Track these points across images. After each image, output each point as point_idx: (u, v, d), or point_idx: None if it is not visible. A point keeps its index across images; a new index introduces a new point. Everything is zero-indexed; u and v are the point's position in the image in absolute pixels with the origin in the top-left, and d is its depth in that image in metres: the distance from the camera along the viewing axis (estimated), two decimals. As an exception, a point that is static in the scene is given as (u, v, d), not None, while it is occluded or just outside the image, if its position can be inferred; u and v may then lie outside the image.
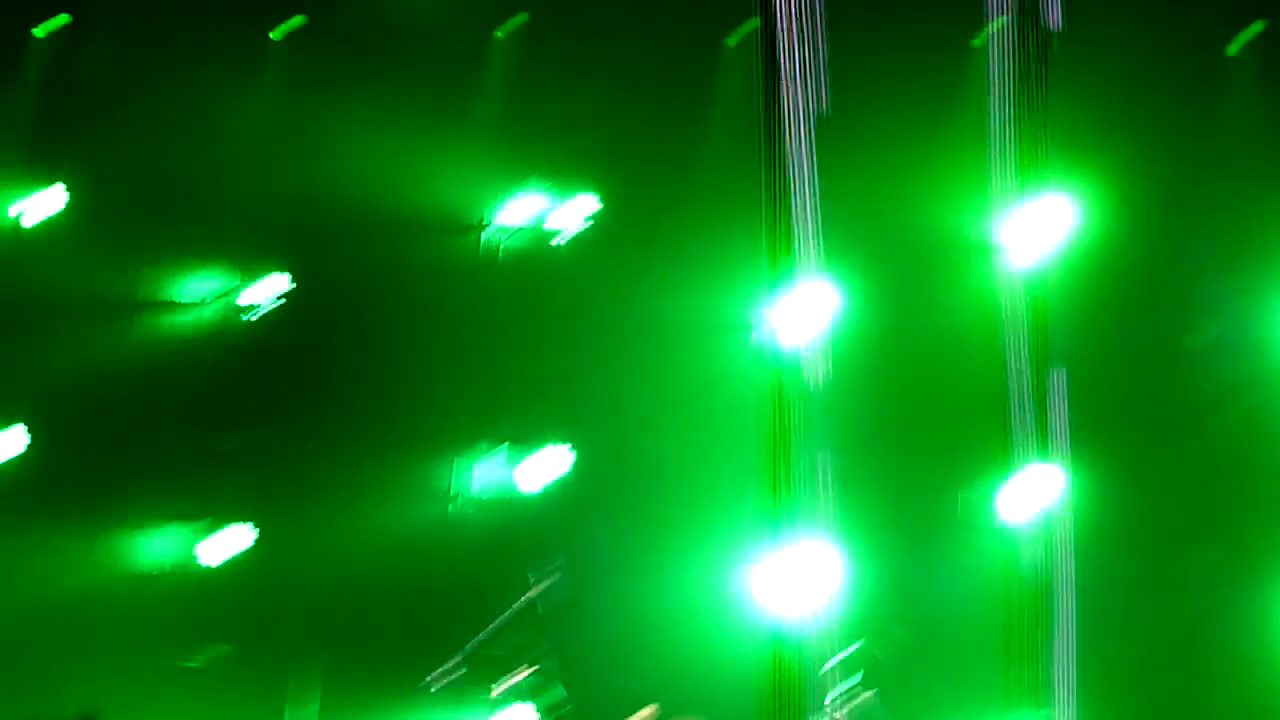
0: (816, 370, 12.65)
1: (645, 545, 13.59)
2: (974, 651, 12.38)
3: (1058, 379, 11.89)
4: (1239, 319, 13.21)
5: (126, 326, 14.82)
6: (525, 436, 14.55)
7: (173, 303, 14.92)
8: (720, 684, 12.61)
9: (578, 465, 14.44)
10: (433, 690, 11.82)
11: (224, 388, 14.58)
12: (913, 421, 13.47)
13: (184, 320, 14.93)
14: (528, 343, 14.58)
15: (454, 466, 14.78)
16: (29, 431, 14.37)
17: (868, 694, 11.61)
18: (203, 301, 14.88)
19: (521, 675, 12.01)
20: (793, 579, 12.50)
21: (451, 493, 14.70)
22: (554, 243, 14.70)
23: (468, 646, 12.04)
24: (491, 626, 12.12)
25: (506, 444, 14.61)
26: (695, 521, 13.48)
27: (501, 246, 14.76)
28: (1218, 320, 13.28)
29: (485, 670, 12.33)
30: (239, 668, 14.07)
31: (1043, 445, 12.34)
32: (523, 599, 12.19)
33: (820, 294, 13.29)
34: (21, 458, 14.34)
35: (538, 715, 12.31)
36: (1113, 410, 13.19)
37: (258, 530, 14.47)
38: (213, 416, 14.53)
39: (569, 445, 14.44)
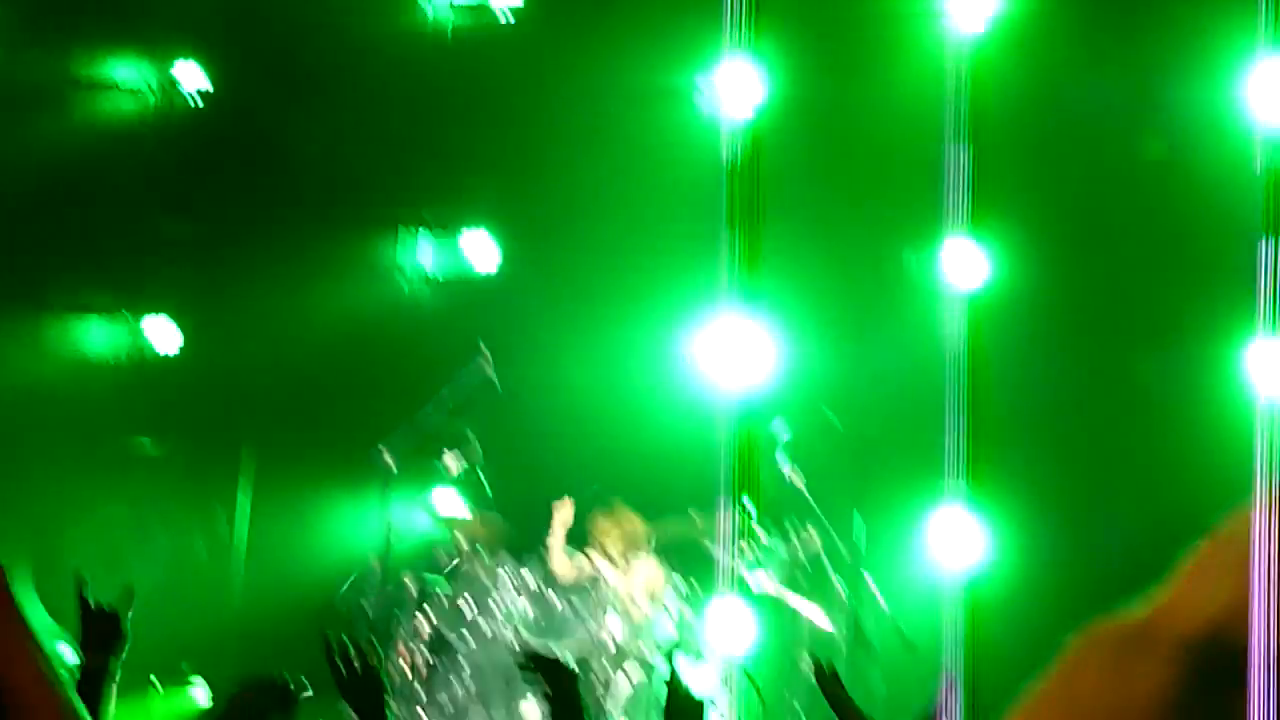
0: (755, 139, 12.61)
1: (593, 321, 13.67)
2: (901, 420, 12.54)
3: (970, 157, 11.86)
4: (1188, 105, 13.13)
5: (64, 111, 14.72)
6: (473, 215, 14.55)
7: (110, 86, 14.79)
8: (667, 460, 12.81)
9: (525, 243, 14.47)
10: (383, 463, 11.95)
11: (165, 172, 14.51)
12: (848, 190, 13.50)
13: (122, 105, 14.83)
14: (472, 119, 14.51)
15: (404, 246, 14.81)
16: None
17: (795, 471, 11.81)
18: (140, 86, 14.75)
19: (452, 460, 12.16)
20: (735, 352, 12.63)
21: (403, 272, 14.75)
22: (501, 19, 14.53)
23: (411, 425, 12.16)
24: (435, 404, 12.24)
25: (455, 223, 14.63)
26: (642, 296, 13.54)
27: (449, 25, 14.61)
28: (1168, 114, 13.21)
29: (428, 446, 12.49)
30: (189, 455, 14.22)
31: (974, 219, 12.36)
32: (468, 377, 12.31)
33: (759, 62, 13.22)
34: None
35: (464, 500, 12.49)
36: (1045, 187, 13.22)
37: (204, 316, 14.53)
38: (154, 202, 14.50)
39: (516, 222, 14.47)
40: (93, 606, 4.98)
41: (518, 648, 11.07)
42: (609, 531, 11.88)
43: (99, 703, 4.80)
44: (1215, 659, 1.01)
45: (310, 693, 5.03)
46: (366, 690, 4.86)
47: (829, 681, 3.29)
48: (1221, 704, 1.02)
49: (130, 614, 5.00)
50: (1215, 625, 1.05)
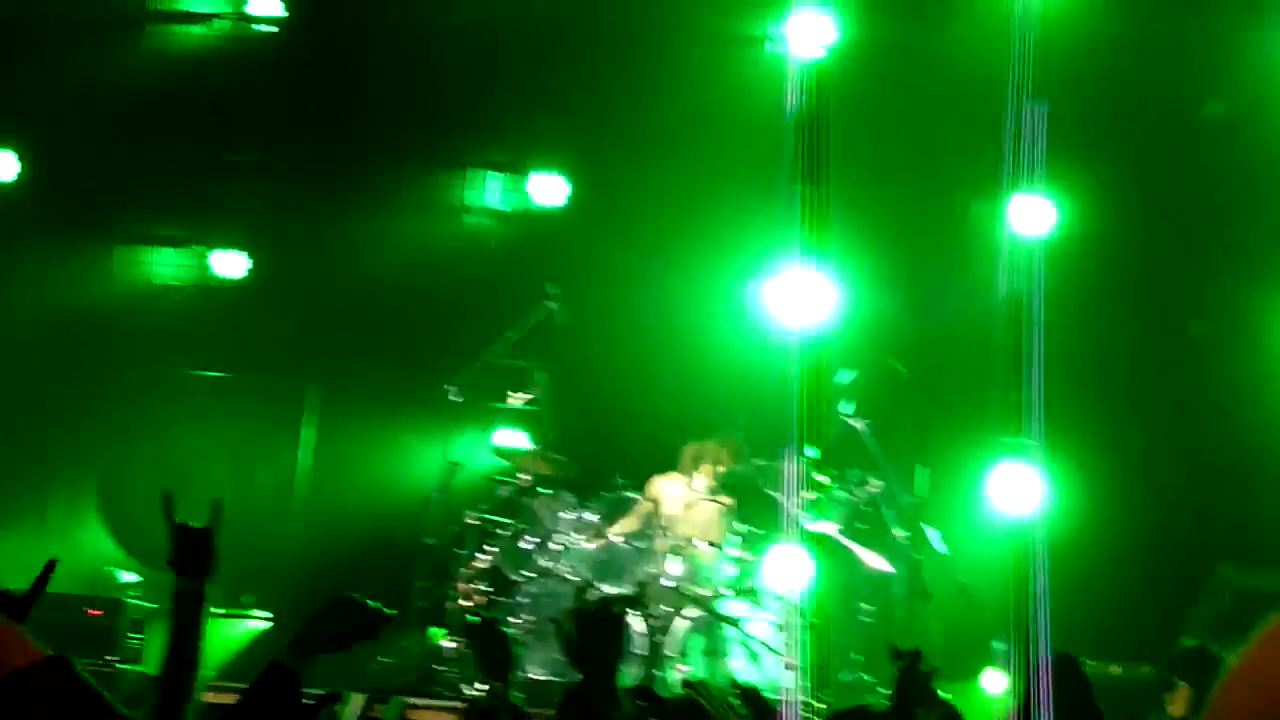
0: (823, 89, 12.55)
1: (660, 265, 13.68)
2: (964, 372, 12.52)
3: (1039, 111, 11.78)
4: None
5: (136, 39, 14.74)
6: (542, 157, 14.56)
7: (182, 14, 14.81)
8: (731, 405, 12.81)
9: (593, 185, 14.47)
10: (450, 398, 11.99)
11: (236, 102, 14.53)
12: (915, 140, 13.48)
13: (194, 32, 14.84)
14: (540, 57, 14.51)
15: (472, 186, 14.81)
16: (39, 147, 14.40)
17: (860, 423, 11.80)
18: (214, 13, 14.76)
19: (518, 399, 12.18)
20: (801, 299, 12.62)
21: (471, 210, 14.75)
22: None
23: (477, 360, 12.18)
24: (501, 341, 12.26)
25: (524, 164, 14.63)
26: (708, 241, 13.54)
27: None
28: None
29: (493, 383, 12.51)
30: (255, 384, 14.28)
31: (1033, 174, 12.31)
32: (535, 315, 12.32)
33: (830, 9, 13.19)
34: (33, 173, 14.38)
35: (528, 437, 12.52)
36: (1104, 141, 13.20)
37: (272, 248, 14.57)
38: (224, 132, 14.52)
39: (585, 165, 14.47)
40: (179, 527, 4.65)
41: (578, 585, 11.12)
42: (709, 460, 11.96)
43: (196, 626, 4.61)
44: None
45: (395, 614, 4.95)
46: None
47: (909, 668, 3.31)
48: None
49: (219, 533, 4.70)
50: None
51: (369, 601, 4.74)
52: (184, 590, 4.65)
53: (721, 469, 11.97)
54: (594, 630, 4.27)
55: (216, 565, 4.69)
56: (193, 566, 4.65)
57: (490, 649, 4.94)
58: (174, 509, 4.66)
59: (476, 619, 5.04)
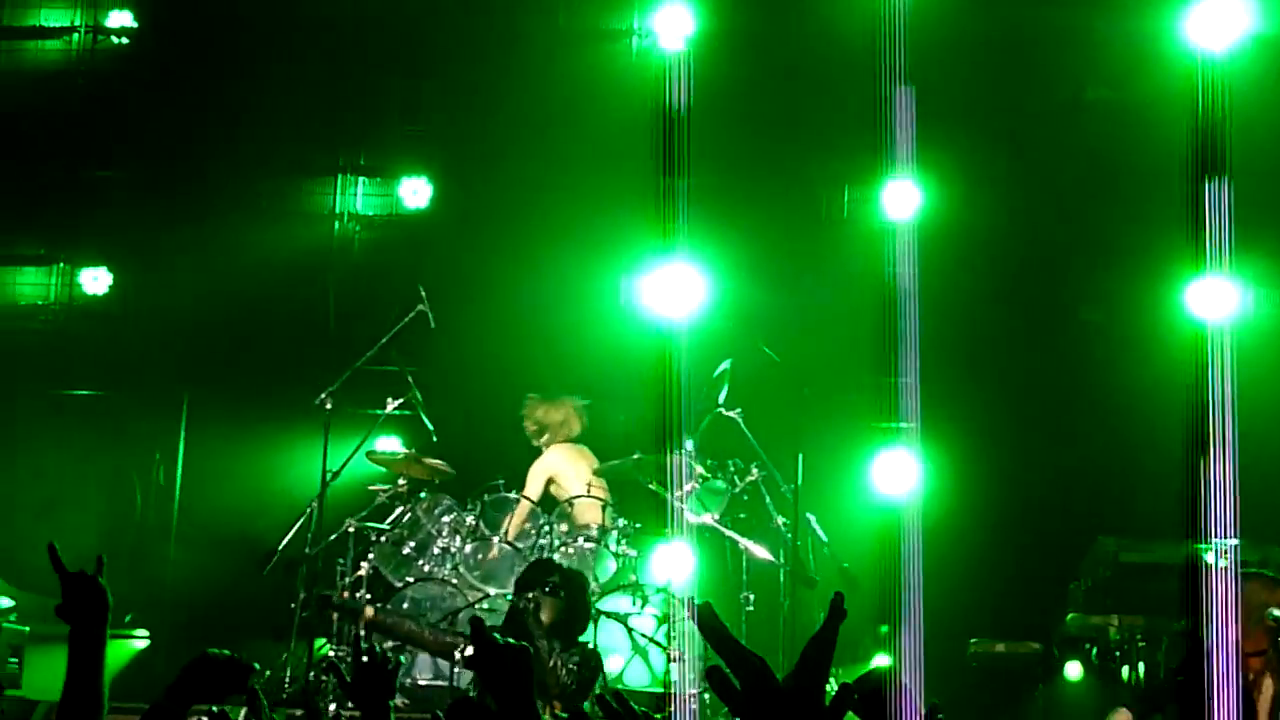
0: (692, 81, 12.55)
1: (530, 259, 13.66)
2: (838, 357, 12.55)
3: (908, 96, 11.81)
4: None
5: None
6: (411, 162, 14.49)
7: (36, 29, 14.60)
8: (609, 400, 12.78)
9: (461, 183, 14.42)
10: (322, 407, 11.86)
11: (94, 116, 14.33)
12: (781, 130, 13.52)
13: (49, 47, 14.64)
14: (404, 64, 14.45)
15: (341, 192, 14.70)
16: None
17: (734, 412, 11.80)
18: (69, 28, 14.58)
19: (392, 405, 12.08)
20: (675, 291, 12.59)
21: (340, 217, 14.65)
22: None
23: (350, 367, 12.06)
24: (374, 347, 12.17)
25: (393, 169, 14.57)
26: (580, 234, 13.53)
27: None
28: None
29: (366, 389, 12.40)
30: (125, 402, 14.11)
31: (903, 160, 12.34)
32: (406, 318, 12.23)
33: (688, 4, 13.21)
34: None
35: (404, 442, 12.44)
36: (976, 127, 13.27)
37: (140, 262, 14.41)
38: (84, 146, 14.33)
39: (453, 168, 14.42)
40: (70, 578, 4.75)
41: (460, 589, 11.04)
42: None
43: (96, 668, 4.73)
44: None
45: (259, 668, 5.04)
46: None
47: (708, 618, 3.27)
48: None
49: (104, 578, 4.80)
50: None
51: (227, 653, 4.83)
52: (81, 635, 4.70)
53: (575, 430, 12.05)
54: (500, 667, 4.24)
55: (109, 608, 4.76)
56: (87, 613, 4.71)
57: (372, 686, 4.95)
58: (60, 558, 4.70)
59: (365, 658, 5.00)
